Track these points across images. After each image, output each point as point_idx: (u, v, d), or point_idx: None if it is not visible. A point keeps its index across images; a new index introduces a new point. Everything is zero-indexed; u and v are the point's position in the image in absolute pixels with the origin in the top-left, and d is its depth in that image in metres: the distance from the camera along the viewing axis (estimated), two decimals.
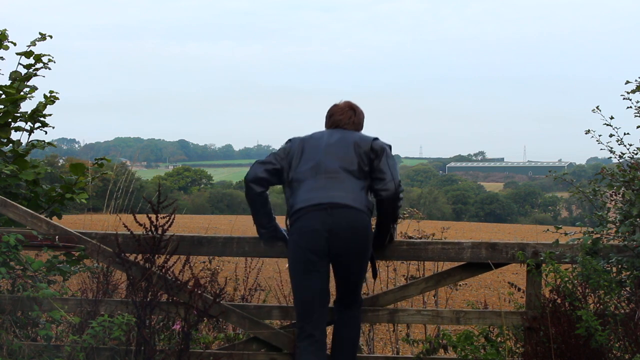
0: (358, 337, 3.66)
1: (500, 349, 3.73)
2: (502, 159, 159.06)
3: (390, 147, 3.62)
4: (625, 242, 3.58)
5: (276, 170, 3.59)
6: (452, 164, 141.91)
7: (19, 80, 4.78)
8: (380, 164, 3.53)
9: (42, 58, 4.82)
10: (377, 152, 3.55)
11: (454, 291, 6.76)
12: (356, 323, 3.64)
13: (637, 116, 3.84)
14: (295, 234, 3.44)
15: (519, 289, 4.50)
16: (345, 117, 3.71)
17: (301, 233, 3.41)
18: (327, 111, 3.78)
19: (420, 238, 5.01)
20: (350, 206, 3.42)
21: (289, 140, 3.67)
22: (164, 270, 3.57)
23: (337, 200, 3.42)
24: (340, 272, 3.52)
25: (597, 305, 3.52)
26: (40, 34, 4.91)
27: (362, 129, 3.77)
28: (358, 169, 3.52)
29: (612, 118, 3.82)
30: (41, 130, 4.85)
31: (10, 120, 4.69)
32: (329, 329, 3.61)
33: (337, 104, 3.76)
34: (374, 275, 3.71)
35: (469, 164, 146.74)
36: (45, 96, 4.81)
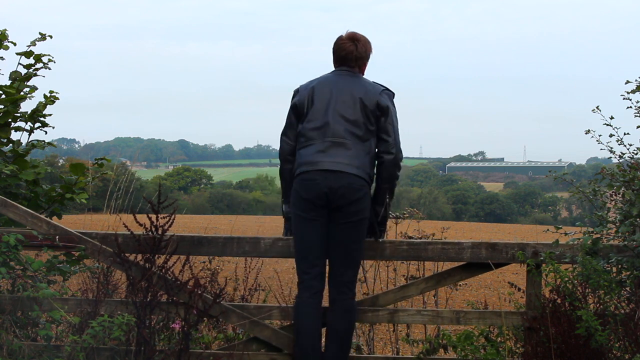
0: (350, 331, 3.64)
1: (500, 349, 3.73)
2: (502, 159, 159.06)
3: (393, 97, 3.72)
4: (625, 242, 3.58)
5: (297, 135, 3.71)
6: (452, 164, 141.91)
7: (19, 80, 4.78)
8: (386, 124, 3.65)
9: (42, 58, 4.81)
10: (383, 109, 3.65)
11: (454, 291, 6.76)
12: (349, 315, 3.62)
13: (637, 116, 3.84)
14: (297, 185, 3.61)
15: (519, 289, 4.50)
16: (348, 52, 3.73)
17: (302, 184, 3.58)
18: (332, 46, 3.81)
19: (420, 238, 5.00)
20: (353, 174, 3.55)
21: (296, 91, 3.75)
22: (164, 271, 3.57)
23: (340, 168, 3.55)
24: (337, 235, 3.58)
25: (597, 305, 3.52)
26: (40, 34, 4.91)
27: (367, 60, 3.81)
28: (364, 131, 3.63)
29: (612, 118, 3.82)
30: (41, 130, 4.85)
31: (10, 120, 4.69)
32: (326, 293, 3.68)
33: (341, 36, 3.79)
34: (379, 236, 3.74)
35: (469, 164, 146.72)
36: (45, 96, 4.80)
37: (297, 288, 3.67)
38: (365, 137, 3.63)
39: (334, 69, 3.81)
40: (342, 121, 3.62)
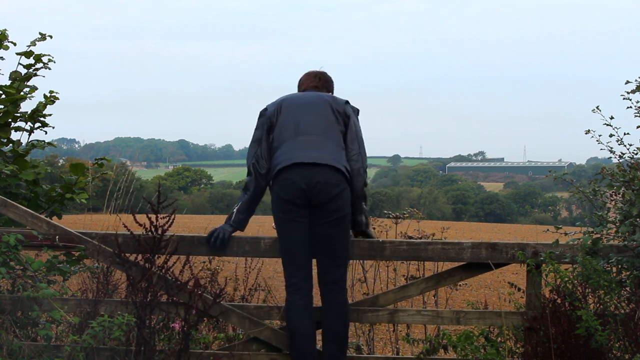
0: (346, 329, 3.63)
1: (500, 349, 3.73)
2: (502, 159, 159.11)
3: (358, 113, 3.81)
4: (625, 242, 3.58)
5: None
6: (452, 164, 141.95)
7: (19, 80, 4.78)
8: (351, 132, 3.71)
9: (42, 58, 4.81)
10: (349, 117, 3.74)
11: (454, 291, 6.76)
12: (343, 314, 3.61)
13: (637, 116, 3.84)
14: (276, 187, 3.60)
15: (519, 289, 4.51)
16: (311, 78, 3.92)
17: (281, 186, 3.57)
18: (299, 83, 3.97)
19: (420, 238, 5.00)
20: (330, 165, 3.56)
21: (264, 110, 3.77)
22: (164, 271, 3.57)
23: (316, 160, 3.55)
24: (320, 234, 3.58)
25: (597, 305, 3.51)
26: (40, 34, 4.91)
27: (331, 90, 3.96)
28: (335, 129, 3.68)
29: (612, 118, 3.82)
30: (41, 130, 4.85)
31: (10, 120, 4.69)
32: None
33: (307, 73, 3.96)
34: (364, 226, 3.73)
35: (469, 164, 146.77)
36: (45, 96, 4.80)
37: (285, 292, 3.65)
38: (337, 134, 3.67)
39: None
40: (314, 119, 3.67)
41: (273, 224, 3.78)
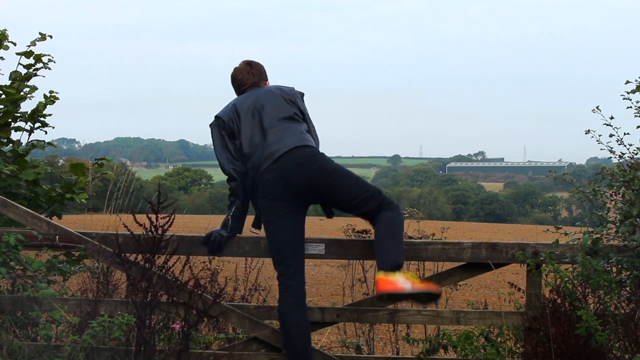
0: (402, 225, 3.60)
1: (500, 349, 3.73)
2: (502, 159, 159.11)
3: (303, 96, 3.85)
4: (625, 242, 3.58)
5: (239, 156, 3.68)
6: (452, 164, 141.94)
7: (19, 80, 4.78)
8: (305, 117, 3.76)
9: (42, 58, 4.81)
10: (299, 101, 3.79)
11: (454, 291, 6.76)
12: (398, 213, 3.59)
13: (637, 116, 3.84)
14: (260, 192, 3.59)
15: (519, 289, 4.50)
16: (245, 75, 3.89)
17: (263, 188, 3.57)
18: (233, 82, 3.95)
19: (420, 238, 5.00)
20: (297, 146, 3.58)
21: (217, 117, 3.74)
22: (164, 271, 3.57)
23: (284, 149, 3.56)
24: (327, 199, 3.63)
25: (597, 305, 3.51)
26: (40, 34, 4.91)
27: (266, 78, 3.96)
28: (296, 115, 3.71)
29: (612, 118, 3.82)
30: (41, 130, 4.85)
31: (10, 120, 4.69)
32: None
33: (235, 67, 3.95)
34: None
35: (469, 164, 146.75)
36: (45, 96, 4.80)
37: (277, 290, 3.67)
38: (299, 119, 3.71)
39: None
40: (273, 112, 3.68)
41: (252, 228, 3.78)
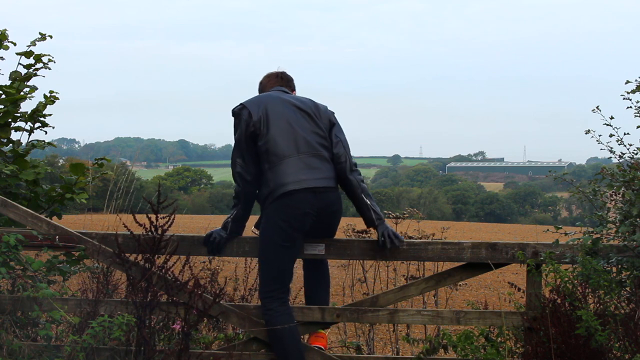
0: (329, 284, 3.94)
1: (500, 349, 3.73)
2: (502, 159, 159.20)
3: (333, 114, 3.80)
4: (625, 242, 3.57)
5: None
6: (452, 164, 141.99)
7: (19, 80, 4.78)
8: (336, 138, 3.71)
9: (42, 58, 4.82)
10: (332, 122, 3.75)
11: (454, 291, 6.77)
12: (327, 272, 3.92)
13: (637, 116, 3.84)
14: (283, 213, 3.52)
15: (519, 289, 4.51)
16: (279, 83, 3.88)
17: (291, 215, 3.52)
18: (260, 86, 3.94)
19: (420, 238, 5.00)
20: (332, 188, 3.61)
21: (242, 110, 3.61)
22: (164, 271, 3.56)
23: (323, 184, 3.57)
24: (320, 234, 3.74)
25: (597, 305, 3.51)
26: (40, 34, 4.91)
27: (294, 88, 3.96)
28: (327, 141, 3.68)
29: (612, 118, 3.82)
30: (41, 130, 4.85)
31: (10, 120, 4.69)
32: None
33: (267, 75, 3.94)
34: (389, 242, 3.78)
35: (469, 164, 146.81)
36: (45, 96, 4.80)
37: (260, 297, 3.67)
38: (329, 146, 3.67)
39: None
40: (308, 133, 3.61)
41: (253, 228, 3.77)
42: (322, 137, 3.64)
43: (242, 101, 3.66)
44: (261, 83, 3.93)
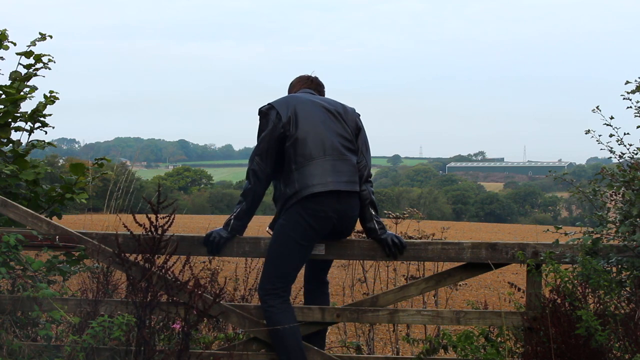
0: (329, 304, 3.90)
1: (500, 349, 3.73)
2: (502, 159, 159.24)
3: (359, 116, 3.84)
4: (625, 242, 3.57)
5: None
6: (452, 164, 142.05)
7: (19, 80, 4.78)
8: (362, 144, 3.75)
9: (42, 58, 4.81)
10: (360, 129, 3.77)
11: (454, 291, 6.77)
12: (328, 298, 3.93)
13: (637, 116, 3.84)
14: (307, 214, 3.53)
15: (519, 289, 4.51)
16: (309, 85, 3.93)
17: (315, 216, 3.54)
18: (290, 86, 3.97)
19: (420, 238, 5.00)
20: (355, 192, 3.63)
21: (271, 110, 3.61)
22: (164, 271, 3.56)
23: (347, 188, 3.58)
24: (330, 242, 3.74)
25: (597, 305, 3.51)
26: (40, 34, 4.90)
27: (324, 93, 3.98)
28: (353, 145, 3.70)
29: (612, 118, 3.82)
30: (41, 130, 4.85)
31: (10, 120, 4.69)
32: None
33: (299, 77, 3.97)
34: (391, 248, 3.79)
35: (469, 164, 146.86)
36: (45, 96, 4.80)
37: (260, 295, 3.66)
38: (355, 151, 3.70)
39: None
40: (336, 136, 3.62)
41: (268, 229, 3.78)
42: (348, 141, 3.66)
43: (270, 101, 3.70)
44: (291, 83, 3.98)
